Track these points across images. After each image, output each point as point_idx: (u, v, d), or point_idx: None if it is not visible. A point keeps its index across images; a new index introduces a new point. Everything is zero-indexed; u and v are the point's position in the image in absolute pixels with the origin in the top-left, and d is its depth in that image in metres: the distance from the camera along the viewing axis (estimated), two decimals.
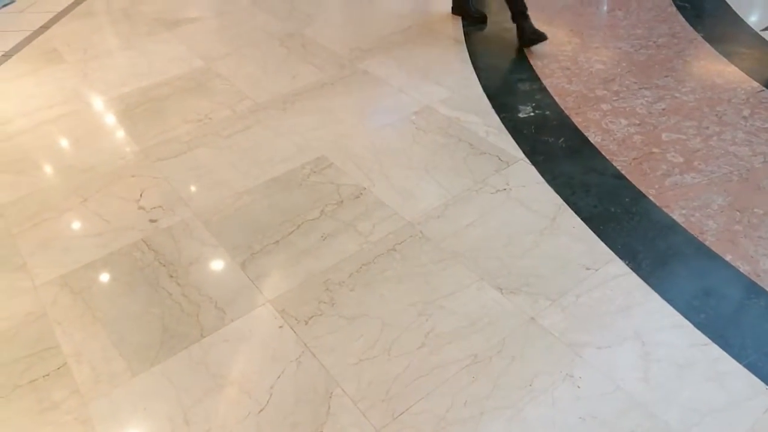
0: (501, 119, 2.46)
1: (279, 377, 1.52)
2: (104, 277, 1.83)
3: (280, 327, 1.65)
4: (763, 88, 2.59)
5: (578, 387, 1.46)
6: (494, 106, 2.55)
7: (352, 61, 2.94)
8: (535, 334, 1.59)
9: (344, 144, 2.35)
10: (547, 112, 2.50)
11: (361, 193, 2.10)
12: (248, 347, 1.60)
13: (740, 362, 1.49)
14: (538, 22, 3.00)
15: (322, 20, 3.41)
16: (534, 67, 2.84)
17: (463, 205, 2.03)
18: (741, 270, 1.74)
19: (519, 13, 2.96)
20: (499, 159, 2.23)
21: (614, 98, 2.58)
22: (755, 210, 1.95)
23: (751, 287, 1.69)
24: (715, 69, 2.77)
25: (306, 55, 3.02)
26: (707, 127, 2.37)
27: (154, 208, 2.09)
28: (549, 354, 1.54)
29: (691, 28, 3.14)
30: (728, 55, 2.87)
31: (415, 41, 3.12)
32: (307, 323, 1.65)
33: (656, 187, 2.08)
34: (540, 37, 2.91)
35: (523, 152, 2.26)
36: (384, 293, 1.73)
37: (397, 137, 2.39)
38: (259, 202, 2.09)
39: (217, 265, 1.87)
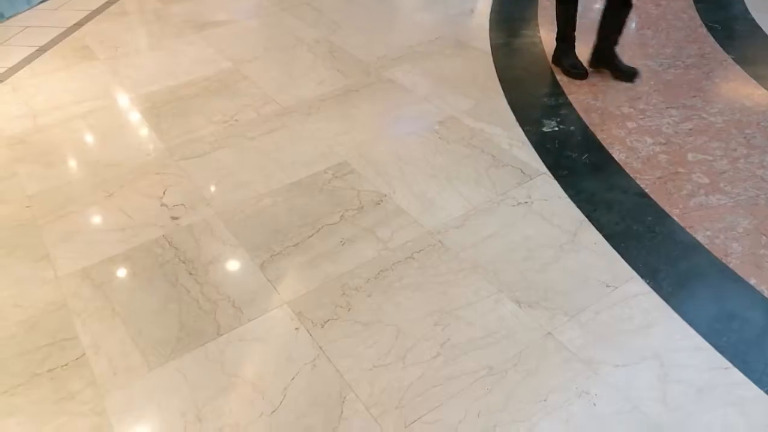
0: (525, 132, 2.45)
1: (293, 379, 1.52)
2: (124, 272, 1.86)
3: (296, 329, 1.65)
4: None
5: (594, 404, 1.44)
6: (519, 119, 2.54)
7: (378, 69, 2.96)
8: (551, 349, 1.58)
9: (367, 151, 2.36)
10: (572, 128, 2.49)
11: (382, 200, 2.10)
12: (264, 348, 1.61)
13: (761, 388, 1.46)
14: None
15: (350, 28, 3.44)
16: (560, 82, 2.83)
17: (483, 216, 2.02)
18: (766, 294, 1.71)
19: (563, 38, 2.91)
20: (522, 172, 2.22)
21: (640, 116, 2.56)
22: None
23: None
24: (744, 91, 2.74)
25: (333, 62, 3.05)
26: (735, 149, 2.34)
27: (177, 205, 2.11)
28: (565, 369, 1.52)
29: (722, 50, 3.10)
30: (759, 78, 2.83)
31: (442, 52, 3.13)
32: (323, 327, 1.65)
33: (680, 207, 2.05)
34: (577, 74, 2.85)
35: (546, 166, 2.25)
36: (401, 301, 1.72)
37: (420, 146, 2.39)
38: (280, 204, 2.10)
39: (236, 264, 1.88)
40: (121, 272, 1.86)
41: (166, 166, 2.33)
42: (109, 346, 1.62)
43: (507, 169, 2.23)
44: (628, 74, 2.82)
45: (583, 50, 2.94)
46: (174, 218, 2.06)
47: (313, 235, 1.96)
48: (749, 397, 1.44)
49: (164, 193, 2.18)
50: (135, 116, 2.68)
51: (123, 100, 2.80)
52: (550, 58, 3.01)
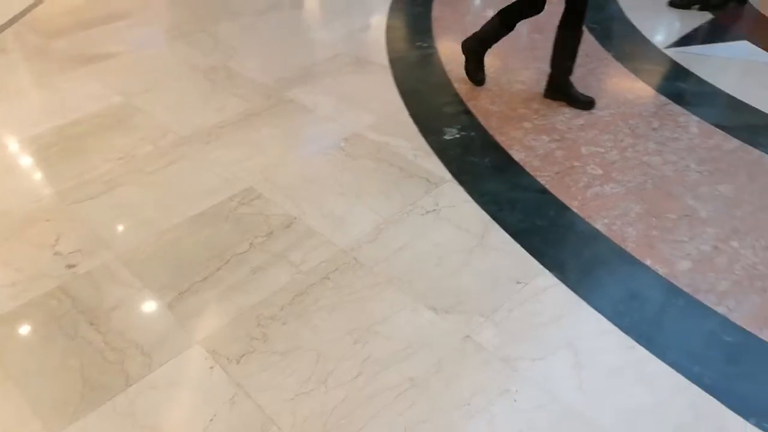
0: (428, 142, 2.50)
1: (211, 420, 1.45)
2: (16, 331, 1.71)
3: (211, 368, 1.58)
4: (669, 101, 2.77)
5: (515, 401, 1.47)
6: (421, 130, 2.59)
7: (278, 91, 2.93)
8: (470, 352, 1.60)
9: (272, 174, 2.32)
10: (472, 133, 2.56)
11: (292, 223, 2.06)
12: (178, 393, 1.52)
13: (665, 361, 1.55)
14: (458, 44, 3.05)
15: (247, 52, 3.39)
16: (458, 91, 2.91)
17: (394, 228, 2.03)
18: (660, 273, 1.82)
19: (480, 43, 2.90)
20: (428, 181, 2.25)
21: (535, 116, 2.68)
22: (668, 215, 2.06)
23: (670, 288, 1.77)
24: (625, 85, 2.94)
25: (231, 87, 2.99)
26: (622, 140, 2.49)
27: (72, 252, 1.98)
28: (485, 370, 1.55)
29: (602, 48, 3.32)
30: (636, 72, 3.05)
31: (341, 69, 3.14)
32: (239, 362, 1.59)
33: (579, 198, 2.15)
34: (477, 81, 2.94)
35: (451, 173, 2.30)
36: (318, 324, 1.69)
37: (327, 165, 2.38)
38: (184, 238, 2.02)
39: (142, 308, 1.78)
40: (12, 332, 1.70)
41: (58, 211, 2.18)
42: (2, 415, 1.47)
43: (414, 180, 2.26)
44: (585, 103, 2.72)
45: (487, 61, 3.04)
46: (70, 266, 1.92)
47: (221, 267, 1.89)
48: (655, 372, 1.52)
49: (57, 240, 2.03)
50: (19, 161, 2.49)
51: (4, 145, 2.59)
52: (446, 68, 3.09)
